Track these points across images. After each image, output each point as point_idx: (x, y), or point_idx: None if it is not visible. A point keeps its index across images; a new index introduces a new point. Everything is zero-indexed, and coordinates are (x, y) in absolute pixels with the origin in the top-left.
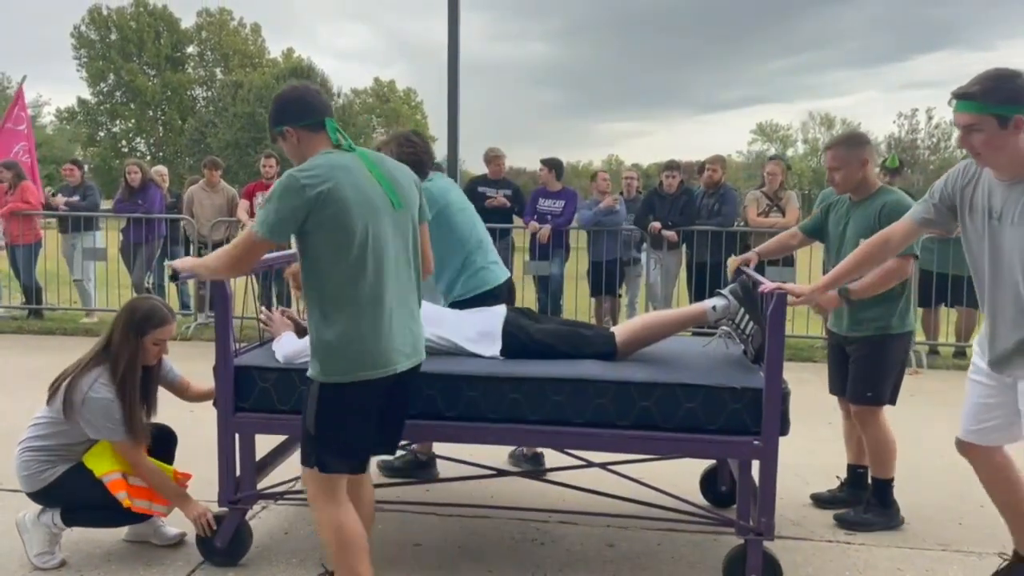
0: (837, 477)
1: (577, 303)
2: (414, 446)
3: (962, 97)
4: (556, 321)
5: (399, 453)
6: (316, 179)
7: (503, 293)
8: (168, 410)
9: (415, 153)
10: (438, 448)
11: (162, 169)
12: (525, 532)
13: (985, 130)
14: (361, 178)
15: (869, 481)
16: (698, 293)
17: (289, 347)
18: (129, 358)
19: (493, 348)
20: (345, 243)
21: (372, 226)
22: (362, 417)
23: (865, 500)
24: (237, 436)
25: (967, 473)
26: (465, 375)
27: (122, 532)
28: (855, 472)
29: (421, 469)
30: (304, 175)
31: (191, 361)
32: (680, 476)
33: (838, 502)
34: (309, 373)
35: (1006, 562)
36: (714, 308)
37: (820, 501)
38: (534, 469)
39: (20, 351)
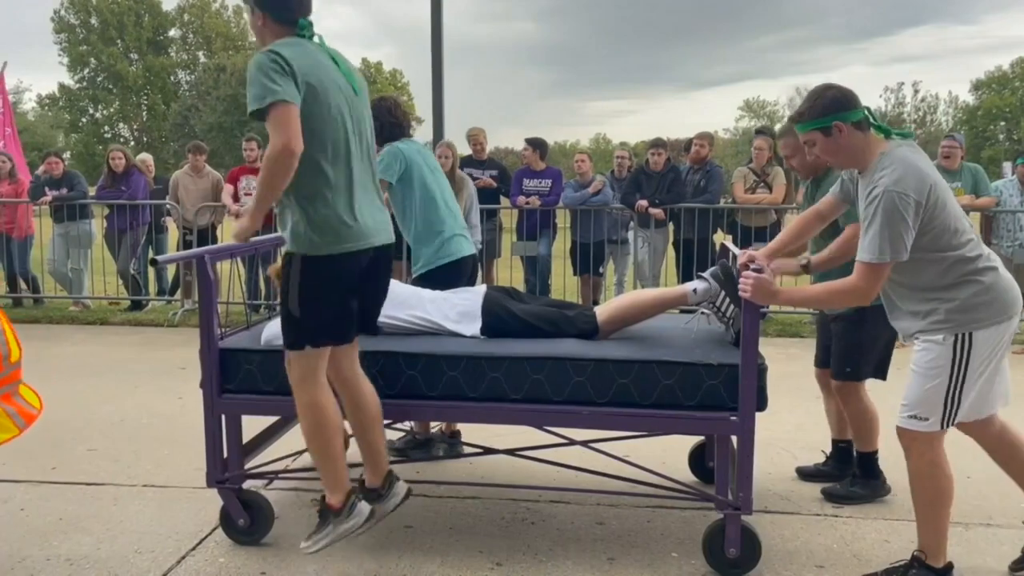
0: (823, 452)
1: (565, 282)
2: (412, 426)
3: (794, 121)
4: (539, 301)
5: (399, 435)
6: (294, 60)
7: (468, 267)
8: (158, 399)
9: (377, 119)
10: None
11: (147, 158)
12: (516, 512)
13: (817, 143)
14: (328, 64)
15: (855, 455)
16: (686, 270)
17: (272, 327)
18: None
19: (473, 327)
20: (320, 127)
21: (341, 112)
22: (344, 289)
23: (851, 473)
24: (223, 417)
25: (951, 445)
26: (445, 355)
27: (108, 520)
28: (838, 447)
29: (419, 449)
30: (280, 55)
31: (179, 348)
32: (665, 453)
33: (822, 475)
34: (289, 249)
35: None
36: (695, 291)
37: (804, 475)
38: (452, 452)
39: None
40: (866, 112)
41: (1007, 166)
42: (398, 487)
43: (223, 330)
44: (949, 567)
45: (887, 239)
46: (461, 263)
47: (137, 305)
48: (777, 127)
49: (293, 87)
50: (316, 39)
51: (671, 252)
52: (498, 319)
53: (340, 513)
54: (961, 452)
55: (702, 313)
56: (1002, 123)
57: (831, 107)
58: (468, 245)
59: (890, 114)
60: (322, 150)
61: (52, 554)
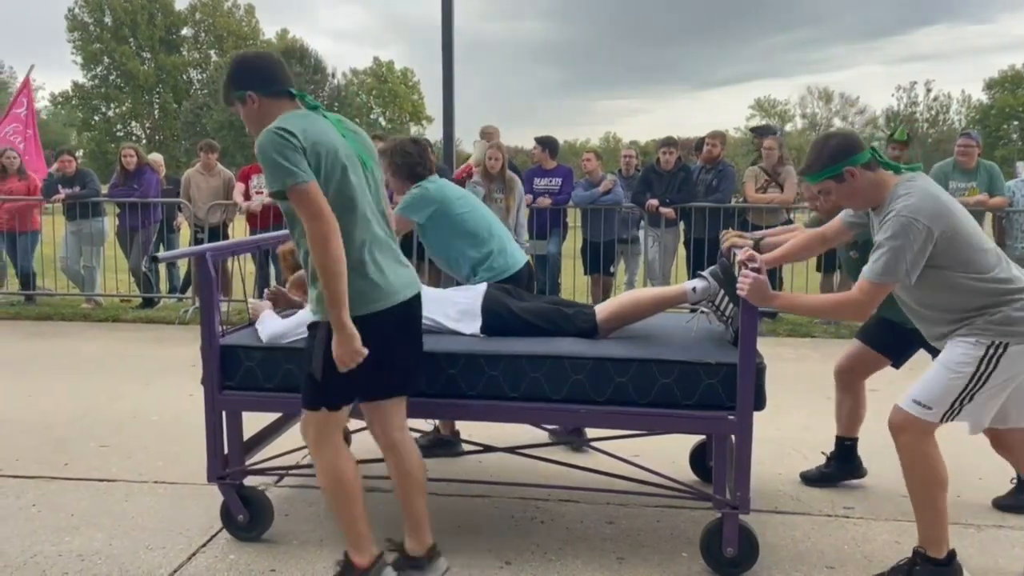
0: (823, 453)
1: (575, 282)
2: (436, 424)
3: (803, 174)
4: (539, 299)
5: (418, 434)
6: (298, 129)
7: (523, 278)
8: (169, 396)
9: (407, 164)
10: (426, 427)
11: (158, 157)
12: (525, 510)
13: (831, 191)
14: (329, 128)
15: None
16: (696, 269)
17: (272, 327)
18: None
19: (473, 325)
20: (333, 190)
21: (352, 172)
22: (372, 351)
23: (1018, 480)
24: (224, 414)
25: (964, 447)
26: (444, 353)
27: (119, 517)
28: (843, 445)
29: (444, 447)
30: (286, 129)
31: (190, 345)
32: (675, 452)
33: (826, 478)
34: (316, 318)
35: None
36: (694, 290)
37: (808, 480)
38: (577, 439)
39: (18, 337)
40: (872, 151)
41: (1020, 165)
42: (440, 562)
43: (224, 327)
44: (951, 556)
45: (893, 262)
46: (516, 276)
47: (149, 303)
48: (787, 127)
49: (306, 163)
50: (311, 103)
51: (681, 251)
52: (498, 317)
53: (367, 574)
54: (972, 453)
55: (702, 312)
56: (1015, 122)
57: (839, 154)
58: (519, 256)
59: (903, 113)
60: (338, 212)
61: (64, 550)
